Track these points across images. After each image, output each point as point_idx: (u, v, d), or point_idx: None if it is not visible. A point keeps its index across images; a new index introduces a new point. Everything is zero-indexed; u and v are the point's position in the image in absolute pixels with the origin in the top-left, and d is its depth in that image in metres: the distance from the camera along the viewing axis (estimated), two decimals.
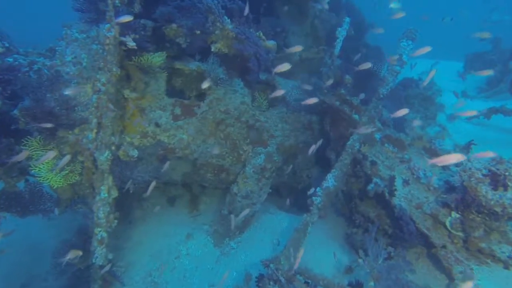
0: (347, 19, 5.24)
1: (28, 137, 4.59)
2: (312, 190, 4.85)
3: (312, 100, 4.56)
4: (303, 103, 4.73)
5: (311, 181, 6.89)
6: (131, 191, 5.40)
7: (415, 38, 5.08)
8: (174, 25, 5.06)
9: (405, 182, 4.65)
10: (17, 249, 6.71)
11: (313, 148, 5.08)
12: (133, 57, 4.73)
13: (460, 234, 4.18)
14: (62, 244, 5.48)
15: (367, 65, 4.70)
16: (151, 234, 6.49)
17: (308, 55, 6.94)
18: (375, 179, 4.63)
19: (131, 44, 4.32)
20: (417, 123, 5.63)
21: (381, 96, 5.01)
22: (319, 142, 5.20)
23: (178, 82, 6.61)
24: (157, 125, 5.46)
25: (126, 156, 5.03)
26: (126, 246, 6.23)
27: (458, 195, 4.20)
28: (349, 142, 4.97)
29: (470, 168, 3.96)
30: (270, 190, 6.15)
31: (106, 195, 4.66)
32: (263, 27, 4.84)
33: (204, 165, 5.99)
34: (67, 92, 4.61)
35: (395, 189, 4.50)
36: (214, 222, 6.58)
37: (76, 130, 4.75)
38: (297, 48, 4.76)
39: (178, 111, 5.58)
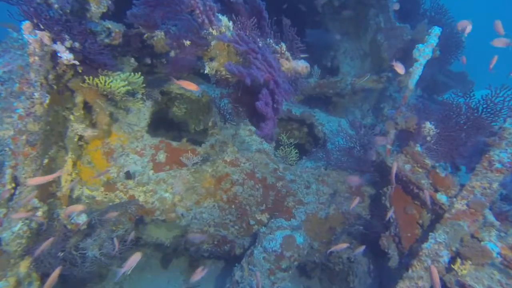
0: (436, 30, 3.14)
1: None
2: None
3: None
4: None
5: (353, 265, 4.75)
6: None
7: None
8: (160, 33, 3.32)
9: None
10: None
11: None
12: (86, 78, 3.06)
13: None
14: None
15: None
16: None
17: (364, 84, 4.83)
18: None
19: (66, 57, 2.63)
20: None
21: (496, 165, 2.80)
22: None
23: (182, 111, 4.92)
24: (128, 175, 3.73)
25: (69, 223, 3.33)
26: None
27: None
28: (427, 245, 2.80)
29: None
30: (290, 285, 4.09)
31: None
32: (289, 37, 2.89)
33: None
34: None
35: None
36: None
37: None
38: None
39: (162, 157, 3.80)
